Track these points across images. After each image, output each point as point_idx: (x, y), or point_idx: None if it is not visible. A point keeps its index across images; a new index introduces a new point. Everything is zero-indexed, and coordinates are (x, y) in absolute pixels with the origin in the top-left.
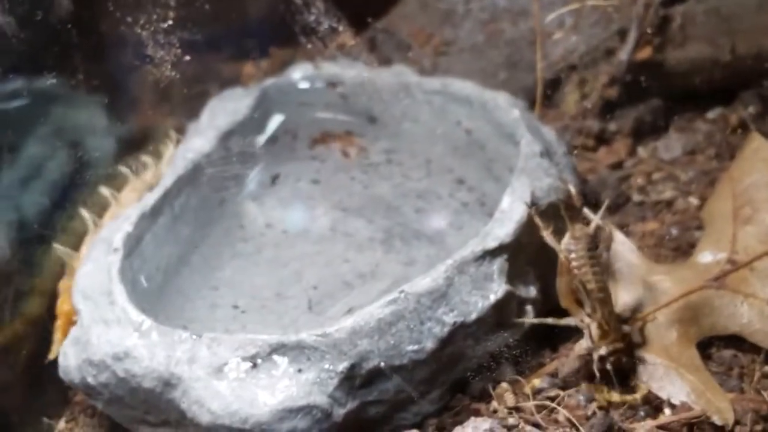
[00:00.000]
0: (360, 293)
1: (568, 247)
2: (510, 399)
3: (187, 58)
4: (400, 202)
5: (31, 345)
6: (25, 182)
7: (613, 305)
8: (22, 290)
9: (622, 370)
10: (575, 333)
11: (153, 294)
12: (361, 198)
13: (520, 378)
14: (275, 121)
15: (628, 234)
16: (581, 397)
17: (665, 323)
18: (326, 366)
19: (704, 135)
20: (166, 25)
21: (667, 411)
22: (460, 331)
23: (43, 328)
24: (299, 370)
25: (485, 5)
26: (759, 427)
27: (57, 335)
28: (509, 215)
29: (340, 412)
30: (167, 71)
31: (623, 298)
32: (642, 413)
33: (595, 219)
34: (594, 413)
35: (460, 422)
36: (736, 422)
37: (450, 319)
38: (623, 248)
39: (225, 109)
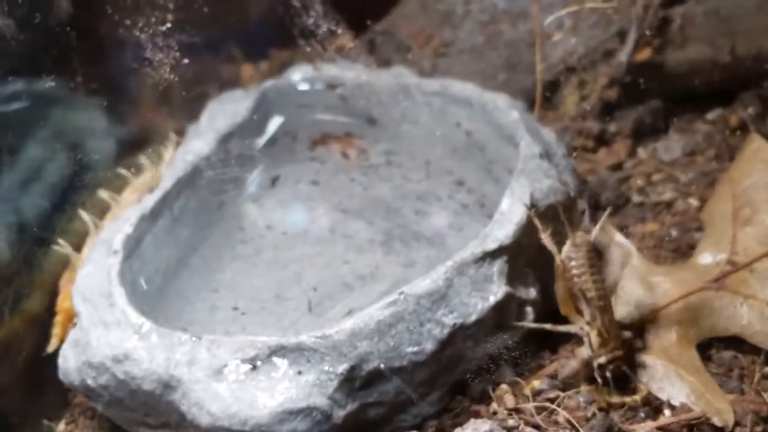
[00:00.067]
0: (360, 295)
1: (569, 254)
2: (510, 400)
3: (187, 60)
4: (399, 203)
5: (30, 347)
6: (24, 184)
7: (613, 312)
8: (22, 290)
9: (622, 375)
10: (575, 335)
11: (152, 296)
12: (360, 199)
13: (519, 379)
14: (275, 122)
15: (627, 235)
16: (581, 399)
17: (665, 324)
18: (326, 368)
19: (704, 136)
20: (165, 28)
21: (667, 412)
22: (459, 332)
23: (42, 331)
24: (299, 372)
25: (485, 7)
26: (759, 429)
27: (56, 330)
28: (509, 217)
29: (339, 414)
30: (166, 73)
31: (623, 299)
32: (642, 414)
33: (595, 229)
34: (594, 415)
35: (460, 424)
36: (736, 423)
37: (450, 320)
38: (623, 249)
39: (224, 111)
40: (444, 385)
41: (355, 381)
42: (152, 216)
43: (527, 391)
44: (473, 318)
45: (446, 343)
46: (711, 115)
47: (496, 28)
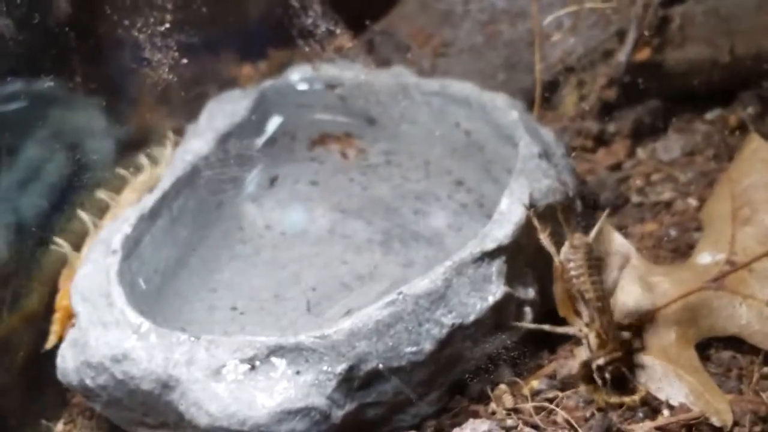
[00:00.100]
0: (358, 295)
1: (567, 256)
2: (508, 400)
3: (186, 60)
4: (398, 203)
5: (28, 346)
6: (23, 184)
7: (612, 314)
8: (21, 289)
9: (621, 376)
10: (573, 336)
11: (151, 296)
12: (359, 199)
13: (518, 379)
14: (274, 122)
15: (626, 235)
16: (580, 399)
17: (664, 324)
18: (324, 368)
19: (703, 136)
20: (163, 28)
21: (665, 412)
22: (458, 332)
23: (41, 330)
24: (297, 372)
25: (484, 6)
26: (758, 429)
27: (55, 327)
28: (508, 217)
29: (338, 414)
30: (165, 73)
31: (622, 299)
32: (640, 414)
33: (593, 231)
34: (592, 415)
35: (459, 424)
36: (735, 423)
37: (448, 320)
38: (622, 250)
39: (223, 111)
40: (443, 385)
41: (354, 381)
42: (151, 216)
43: (526, 391)
44: (472, 318)
45: (445, 343)
46: (710, 115)
47: (495, 28)
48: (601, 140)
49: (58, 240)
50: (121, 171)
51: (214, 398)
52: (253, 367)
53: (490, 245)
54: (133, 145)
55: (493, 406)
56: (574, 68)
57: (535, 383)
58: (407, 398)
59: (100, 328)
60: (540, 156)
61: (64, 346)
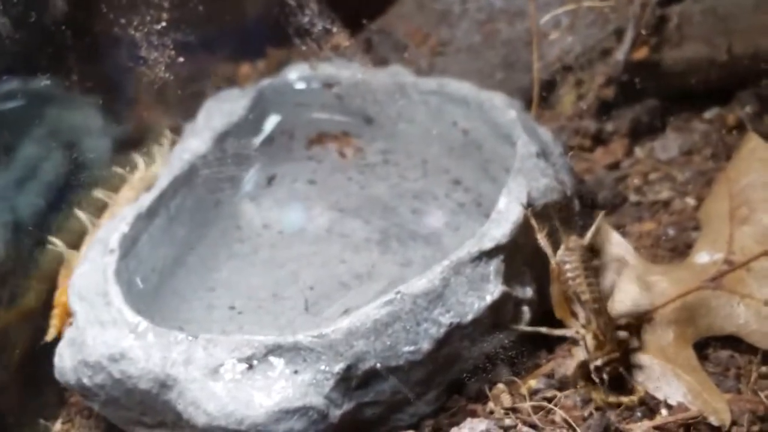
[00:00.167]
0: (356, 294)
1: (563, 258)
2: (506, 400)
3: (183, 59)
4: (396, 202)
5: (26, 346)
6: (20, 183)
7: (609, 315)
8: (18, 288)
9: (619, 376)
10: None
11: (149, 295)
12: (357, 198)
13: (516, 379)
14: (272, 121)
15: (624, 234)
16: (578, 398)
17: (662, 324)
18: (322, 367)
19: (701, 135)
20: (160, 27)
21: (663, 412)
22: (456, 332)
23: (38, 330)
24: (295, 371)
25: (482, 6)
26: (756, 428)
27: (54, 321)
28: (506, 216)
29: (336, 413)
30: (163, 72)
31: (620, 299)
32: (639, 414)
33: (590, 232)
34: (591, 414)
35: (457, 423)
36: (733, 423)
37: (446, 320)
38: (620, 249)
39: (221, 109)
40: (441, 385)
41: (352, 380)
42: (149, 215)
43: (524, 391)
44: (470, 317)
45: (443, 342)
46: (708, 114)
47: (493, 27)
48: (599, 139)
49: (53, 239)
50: (119, 170)
51: (212, 397)
52: (250, 367)
53: (487, 244)
54: (131, 144)
55: (491, 405)
56: (572, 67)
57: (533, 382)
58: (405, 398)
59: (98, 327)
60: (538, 155)
61: (61, 345)
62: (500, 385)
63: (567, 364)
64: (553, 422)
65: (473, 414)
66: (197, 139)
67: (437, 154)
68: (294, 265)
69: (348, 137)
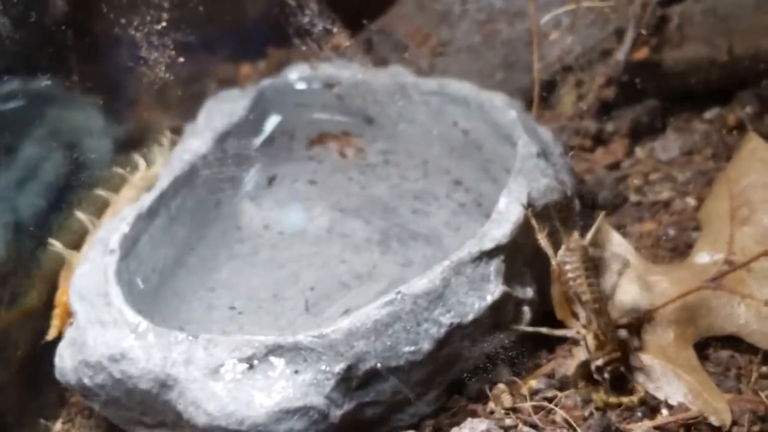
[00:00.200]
0: (357, 294)
1: (564, 258)
2: (507, 400)
3: (183, 59)
4: (397, 202)
5: (27, 346)
6: (21, 184)
7: (610, 315)
8: (19, 288)
9: (619, 376)
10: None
11: (149, 295)
12: (358, 199)
13: (516, 379)
14: (272, 121)
15: (625, 235)
16: (578, 398)
17: (662, 324)
18: (323, 367)
19: (701, 135)
20: (161, 27)
21: (664, 412)
22: (456, 332)
23: (39, 330)
24: (296, 372)
25: (482, 6)
26: (756, 428)
27: (55, 321)
28: (506, 216)
29: (336, 413)
30: (163, 72)
31: (620, 299)
32: (639, 414)
33: (590, 233)
34: (591, 414)
35: (457, 423)
36: (734, 423)
37: (447, 320)
38: (620, 249)
39: (222, 110)
40: (441, 385)
41: (352, 380)
42: (149, 215)
43: (524, 391)
44: (470, 317)
45: (443, 342)
46: (708, 115)
47: (493, 27)
48: (600, 139)
49: (52, 241)
50: (119, 170)
51: (213, 397)
52: (251, 367)
53: (488, 245)
54: (131, 144)
55: (491, 405)
56: (572, 67)
57: (534, 383)
58: (405, 398)
59: (98, 327)
60: (538, 155)
61: (62, 345)
62: (501, 385)
63: (567, 364)
64: (553, 422)
65: (474, 414)
66: (198, 139)
67: (438, 154)
68: (294, 266)
69: (348, 137)
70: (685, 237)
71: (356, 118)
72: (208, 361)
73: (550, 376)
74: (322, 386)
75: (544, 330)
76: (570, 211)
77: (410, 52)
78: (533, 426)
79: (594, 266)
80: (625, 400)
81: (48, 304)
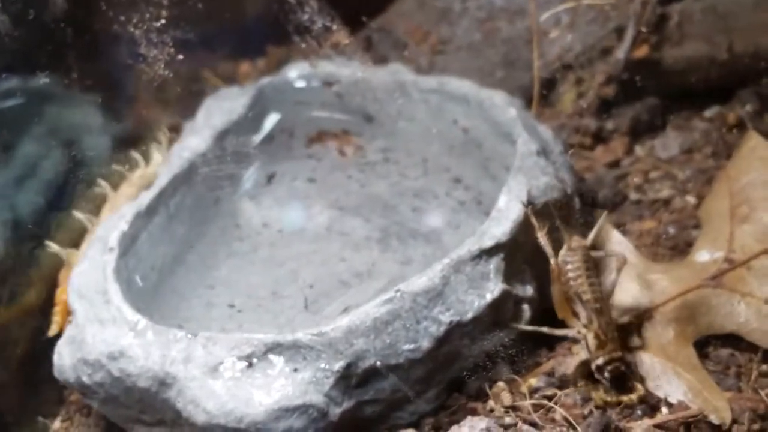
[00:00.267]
0: (356, 292)
1: (565, 258)
2: (507, 398)
3: (183, 57)
4: (396, 200)
5: (25, 343)
6: (20, 181)
7: (610, 314)
8: (17, 287)
9: (620, 374)
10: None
11: (148, 293)
12: (357, 197)
13: (516, 377)
14: (271, 119)
15: (625, 233)
16: (578, 397)
17: (662, 322)
18: (322, 365)
19: (701, 133)
20: (161, 24)
21: (664, 410)
22: (456, 330)
23: (38, 328)
24: (295, 370)
25: (482, 4)
26: (756, 426)
27: (56, 318)
28: (506, 214)
29: (336, 412)
30: (162, 70)
31: (620, 297)
32: (639, 412)
33: (592, 233)
34: (591, 412)
35: (457, 421)
36: (734, 421)
37: (446, 318)
38: (620, 247)
39: (221, 108)
40: (441, 383)
41: (352, 378)
42: (148, 213)
43: (524, 389)
44: (470, 315)
45: (443, 340)
46: (708, 113)
47: (493, 25)
48: (600, 137)
49: (50, 243)
50: (118, 167)
51: (212, 396)
52: (250, 365)
53: (488, 243)
54: (130, 142)
55: (491, 403)
56: (572, 65)
57: (534, 381)
58: (405, 396)
59: (97, 325)
60: (538, 153)
61: (60, 343)
62: (500, 384)
63: (567, 362)
64: (553, 420)
65: (473, 412)
66: (197, 137)
67: (437, 152)
68: (294, 264)
69: (348, 135)
70: (685, 235)
71: (356, 116)
72: (207, 359)
73: (550, 374)
74: (321, 384)
75: (544, 329)
76: (570, 209)
77: (410, 50)
78: (533, 424)
79: (594, 265)
80: (624, 398)
81: (47, 302)
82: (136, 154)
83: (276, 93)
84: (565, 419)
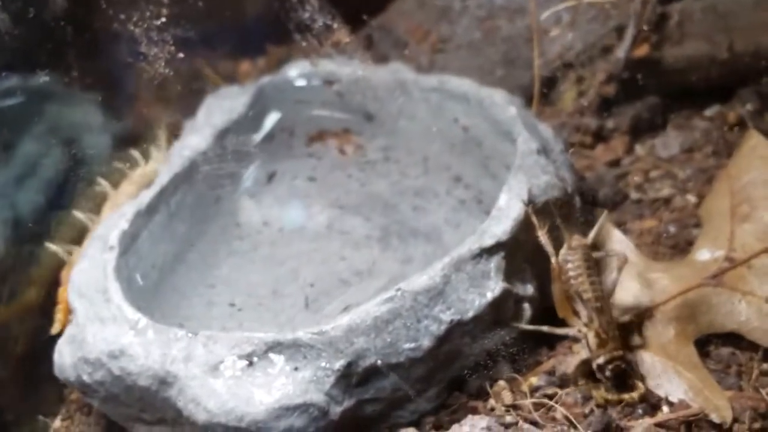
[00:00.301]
0: (357, 291)
1: (566, 257)
2: (507, 397)
3: (183, 55)
4: (397, 199)
5: (25, 342)
6: (20, 180)
7: (611, 313)
8: (17, 285)
9: (620, 373)
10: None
11: (149, 292)
12: (358, 196)
13: (517, 376)
14: (272, 118)
15: (625, 232)
16: (579, 395)
17: (663, 321)
18: (323, 364)
19: (702, 132)
20: (160, 23)
21: (665, 408)
22: (457, 329)
23: (38, 327)
24: (296, 368)
25: (482, 2)
26: (757, 425)
27: (59, 315)
28: (506, 213)
29: (336, 410)
30: (162, 69)
31: (621, 296)
32: (640, 411)
33: (592, 232)
34: (591, 411)
35: (458, 420)
36: (735, 420)
37: (447, 317)
38: (621, 246)
39: (221, 106)
40: (441, 382)
41: (352, 377)
42: (148, 211)
43: (525, 388)
44: (470, 314)
45: (443, 339)
46: (709, 112)
47: (493, 24)
48: (600, 136)
49: (50, 245)
50: (119, 166)
51: (212, 394)
52: (251, 363)
53: (488, 241)
54: (130, 141)
55: (492, 402)
56: (572, 64)
57: (534, 380)
58: (406, 394)
59: (98, 323)
60: (538, 152)
61: (61, 341)
62: (501, 382)
63: (568, 361)
64: (553, 419)
65: (474, 411)
66: (197, 135)
67: (438, 151)
68: (294, 262)
69: (348, 134)
70: (685, 234)
71: (356, 115)
72: (208, 357)
73: (551, 373)
74: (321, 383)
75: (545, 328)
76: (571, 208)
77: (410, 49)
78: (533, 423)
79: (595, 264)
80: (625, 397)
81: (48, 301)
82: (136, 153)
83: (276, 92)
84: (566, 418)
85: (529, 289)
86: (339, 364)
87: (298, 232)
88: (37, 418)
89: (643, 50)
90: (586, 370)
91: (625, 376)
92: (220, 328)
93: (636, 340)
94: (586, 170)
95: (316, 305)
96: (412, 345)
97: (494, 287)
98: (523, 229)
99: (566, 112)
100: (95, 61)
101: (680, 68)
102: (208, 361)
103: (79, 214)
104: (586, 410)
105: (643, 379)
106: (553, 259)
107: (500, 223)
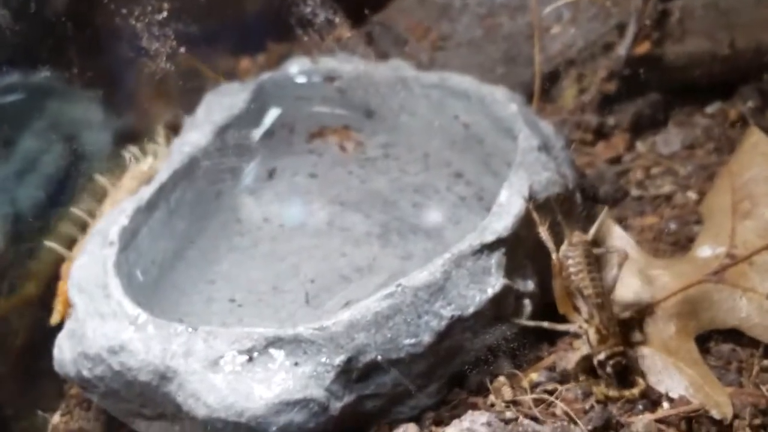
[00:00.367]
0: (357, 287)
1: (566, 254)
2: (508, 393)
3: (184, 51)
4: (397, 196)
5: (24, 337)
6: (20, 176)
7: (612, 309)
8: (17, 280)
9: (620, 369)
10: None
11: (149, 288)
12: (358, 192)
13: (517, 372)
14: (272, 115)
15: (626, 228)
16: (579, 391)
17: (664, 317)
18: (323, 359)
19: (703, 129)
20: (161, 19)
21: (665, 405)
22: (457, 324)
23: (37, 322)
24: (296, 364)
25: (482, 0)
26: (758, 421)
27: (59, 307)
28: (507, 209)
29: (336, 406)
30: (163, 65)
31: (621, 292)
32: (640, 407)
33: (593, 228)
34: (592, 407)
35: (458, 416)
36: (735, 416)
37: (447, 312)
38: (622, 243)
39: (221, 103)
40: (442, 377)
41: (353, 373)
42: (148, 208)
43: (525, 384)
44: (471, 310)
45: (444, 335)
46: (710, 109)
47: (494, 21)
48: (601, 133)
49: (49, 243)
50: (119, 162)
51: (212, 389)
52: (251, 359)
53: (489, 237)
54: (131, 137)
55: (492, 398)
56: (573, 61)
57: (535, 375)
58: (406, 390)
59: (98, 319)
60: (539, 149)
61: (61, 336)
62: (501, 378)
63: (568, 357)
64: (554, 415)
65: (474, 407)
66: (197, 132)
67: (438, 147)
68: (294, 259)
69: (349, 131)
70: (686, 231)
71: (356, 112)
72: (208, 353)
73: (551, 369)
74: (322, 378)
75: (545, 324)
76: (571, 204)
77: (410, 46)
78: (534, 419)
79: (596, 260)
80: (626, 393)
81: (47, 295)
82: (136, 149)
83: (276, 88)
84: (566, 414)
85: (530, 285)
86: (339, 359)
87: (298, 228)
88: (37, 413)
89: (644, 47)
90: (587, 366)
91: (625, 372)
92: (221, 323)
93: (637, 336)
94: (587, 167)
95: (316, 301)
96: (413, 340)
97: (495, 283)
98: (524, 225)
99: (567, 109)
100: (96, 57)
101: (681, 65)
102: (208, 357)
103: (78, 210)
104: (587, 406)
105: (643, 375)
106: (553, 256)
107: (501, 220)
